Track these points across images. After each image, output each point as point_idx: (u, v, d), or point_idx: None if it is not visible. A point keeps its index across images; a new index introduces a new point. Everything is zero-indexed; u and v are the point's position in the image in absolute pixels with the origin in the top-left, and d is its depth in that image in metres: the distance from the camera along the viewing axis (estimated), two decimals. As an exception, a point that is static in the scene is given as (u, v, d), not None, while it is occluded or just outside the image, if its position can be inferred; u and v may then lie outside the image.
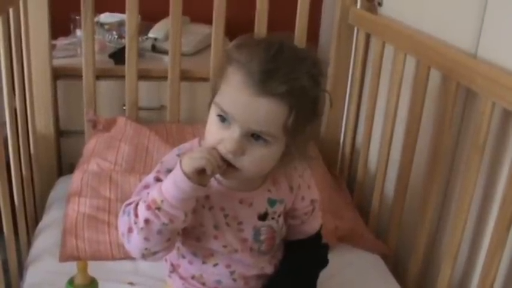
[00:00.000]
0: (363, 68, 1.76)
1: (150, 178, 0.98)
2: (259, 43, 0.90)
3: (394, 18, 1.61)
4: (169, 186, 0.89)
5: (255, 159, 0.90)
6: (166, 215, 0.89)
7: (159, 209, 0.89)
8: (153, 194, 0.90)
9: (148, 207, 0.90)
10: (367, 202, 1.67)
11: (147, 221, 0.90)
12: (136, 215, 0.92)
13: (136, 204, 0.93)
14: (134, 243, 0.94)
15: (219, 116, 0.90)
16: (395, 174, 1.50)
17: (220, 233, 1.01)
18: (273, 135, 0.89)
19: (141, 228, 0.91)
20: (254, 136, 0.89)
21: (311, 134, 0.96)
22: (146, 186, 0.97)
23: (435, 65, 1.31)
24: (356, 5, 1.76)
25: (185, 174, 0.87)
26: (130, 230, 0.93)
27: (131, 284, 1.24)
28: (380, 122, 1.62)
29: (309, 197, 1.08)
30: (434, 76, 1.34)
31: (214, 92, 0.92)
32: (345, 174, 1.84)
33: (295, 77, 0.86)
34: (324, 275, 1.15)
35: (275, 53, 0.87)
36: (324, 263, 1.15)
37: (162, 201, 0.89)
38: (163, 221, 0.89)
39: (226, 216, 1.00)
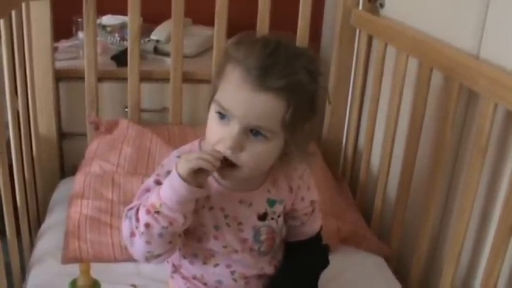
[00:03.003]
0: (365, 69, 1.76)
1: (150, 181, 0.99)
2: (257, 41, 0.90)
3: (396, 19, 1.61)
4: (167, 189, 0.90)
5: (254, 155, 0.90)
6: (165, 219, 0.90)
7: (158, 212, 0.90)
8: (152, 198, 0.91)
9: (148, 212, 0.91)
10: (370, 203, 1.66)
11: (147, 225, 0.91)
12: (137, 220, 0.93)
13: (137, 209, 0.94)
14: (137, 247, 0.95)
15: (219, 113, 0.90)
16: (397, 176, 1.50)
17: (220, 233, 1.01)
18: (271, 131, 0.89)
19: (142, 233, 0.92)
20: (253, 132, 0.89)
21: (311, 134, 0.96)
22: (147, 190, 0.98)
23: (437, 66, 1.31)
24: (358, 6, 1.76)
25: (181, 176, 0.88)
26: (132, 234, 0.95)
27: (134, 286, 1.24)
28: (382, 123, 1.62)
29: (309, 198, 1.08)
30: (437, 77, 1.34)
31: (214, 90, 0.93)
32: (347, 176, 1.84)
33: (292, 72, 0.87)
34: (326, 277, 1.15)
35: (272, 50, 0.87)
36: (325, 263, 1.15)
37: (160, 205, 0.90)
38: (163, 224, 0.90)
39: (226, 216, 1.01)
